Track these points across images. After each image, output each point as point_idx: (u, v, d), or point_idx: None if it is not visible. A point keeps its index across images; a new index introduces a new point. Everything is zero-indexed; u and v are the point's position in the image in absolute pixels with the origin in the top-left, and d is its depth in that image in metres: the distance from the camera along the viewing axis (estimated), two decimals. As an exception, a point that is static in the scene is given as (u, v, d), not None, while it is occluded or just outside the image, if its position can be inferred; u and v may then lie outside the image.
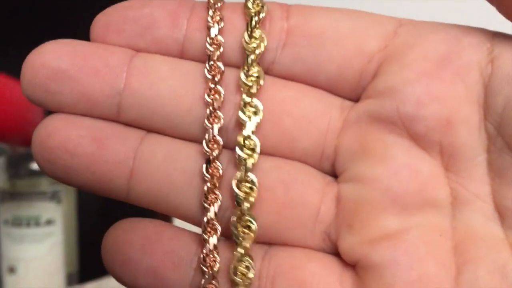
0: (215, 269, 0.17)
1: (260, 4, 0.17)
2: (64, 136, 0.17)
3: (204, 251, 0.17)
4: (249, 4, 0.17)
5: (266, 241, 0.17)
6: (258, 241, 0.17)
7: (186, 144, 0.17)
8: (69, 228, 0.58)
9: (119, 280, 0.17)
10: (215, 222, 0.17)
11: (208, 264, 0.17)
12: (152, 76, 0.17)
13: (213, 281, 0.16)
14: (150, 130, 0.17)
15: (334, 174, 0.18)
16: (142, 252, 0.17)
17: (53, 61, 0.16)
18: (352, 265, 0.17)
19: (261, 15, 0.17)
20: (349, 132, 0.17)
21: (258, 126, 0.17)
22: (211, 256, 0.17)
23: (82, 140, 0.17)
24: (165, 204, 0.17)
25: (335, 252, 0.17)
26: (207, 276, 0.16)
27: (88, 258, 0.61)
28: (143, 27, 0.17)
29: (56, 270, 0.55)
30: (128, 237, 0.17)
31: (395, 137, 0.17)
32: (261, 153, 0.17)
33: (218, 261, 0.17)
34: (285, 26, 0.17)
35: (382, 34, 0.17)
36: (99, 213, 0.65)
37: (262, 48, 0.17)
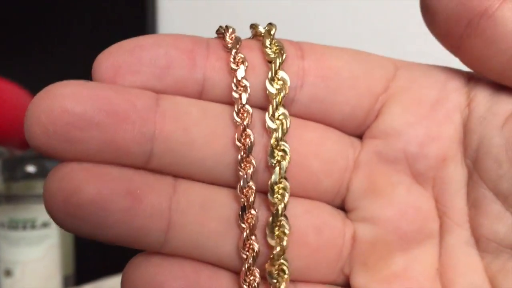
0: None
1: (277, 44, 0.17)
2: (94, 192, 0.15)
3: None
4: (267, 44, 0.17)
5: (293, 280, 0.18)
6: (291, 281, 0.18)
7: (219, 190, 0.17)
8: (65, 231, 0.58)
9: None
10: (254, 269, 0.17)
11: None
12: (183, 120, 0.16)
13: None
14: (179, 175, 0.17)
15: (342, 207, 0.19)
16: None
17: (76, 107, 0.15)
18: None
19: (284, 56, 0.17)
20: (360, 171, 0.18)
21: (288, 168, 0.17)
22: None
23: (115, 195, 0.15)
24: (203, 253, 0.17)
25: (346, 283, 0.18)
26: None
27: (84, 260, 0.61)
28: (160, 68, 0.16)
29: (52, 273, 0.55)
30: (162, 278, 0.16)
31: (399, 176, 0.18)
32: (290, 194, 0.17)
33: None
34: (301, 65, 0.18)
35: (385, 76, 0.18)
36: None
37: (287, 90, 0.17)
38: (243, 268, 0.17)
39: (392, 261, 0.18)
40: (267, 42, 0.17)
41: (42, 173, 0.55)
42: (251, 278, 0.17)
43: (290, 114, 0.18)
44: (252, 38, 0.18)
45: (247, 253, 0.17)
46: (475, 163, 0.17)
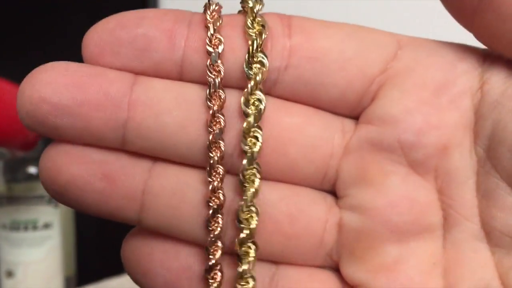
0: (216, 284, 0.18)
1: (261, 23, 0.17)
2: (73, 174, 0.16)
3: (209, 265, 0.17)
4: (249, 24, 0.17)
5: (273, 261, 0.18)
6: (266, 260, 0.18)
7: (192, 174, 0.17)
8: (67, 232, 0.58)
9: (140, 286, 0.18)
10: (218, 244, 0.17)
11: (211, 278, 0.18)
12: (155, 107, 0.16)
13: None
14: (157, 158, 0.17)
15: (333, 192, 0.18)
16: (161, 266, 0.18)
17: (52, 96, 0.16)
18: (351, 286, 0.18)
19: (263, 37, 0.17)
20: (351, 158, 0.17)
21: (263, 153, 0.17)
22: (215, 271, 0.18)
23: (91, 177, 0.16)
24: (175, 231, 0.18)
25: (337, 267, 0.18)
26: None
27: (86, 261, 0.61)
28: (139, 50, 0.16)
29: (54, 274, 0.55)
30: (148, 250, 0.18)
31: (393, 165, 0.17)
32: (267, 179, 0.17)
33: (219, 276, 0.18)
34: (287, 44, 0.17)
35: (383, 57, 0.17)
36: (97, 216, 0.65)
37: (264, 75, 0.17)
38: (208, 240, 0.17)
39: (382, 252, 0.17)
40: (249, 21, 0.17)
41: (43, 174, 0.55)
42: (215, 248, 0.17)
43: (275, 96, 0.17)
44: (242, 12, 0.18)
45: (213, 227, 0.17)
46: (487, 152, 0.16)
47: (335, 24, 0.17)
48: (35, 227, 0.53)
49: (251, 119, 0.17)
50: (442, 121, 0.17)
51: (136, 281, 0.18)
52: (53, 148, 0.17)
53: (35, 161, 0.55)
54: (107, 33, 0.16)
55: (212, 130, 0.17)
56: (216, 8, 0.17)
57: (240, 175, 0.17)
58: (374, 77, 0.17)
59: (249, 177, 0.17)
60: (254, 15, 0.17)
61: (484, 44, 0.17)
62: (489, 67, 0.17)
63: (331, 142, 0.18)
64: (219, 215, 0.17)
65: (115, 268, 0.54)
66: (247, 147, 0.17)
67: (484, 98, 0.16)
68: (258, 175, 0.17)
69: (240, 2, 0.18)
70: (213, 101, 0.17)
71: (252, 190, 0.17)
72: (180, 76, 0.17)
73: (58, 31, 0.60)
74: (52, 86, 0.16)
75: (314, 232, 0.18)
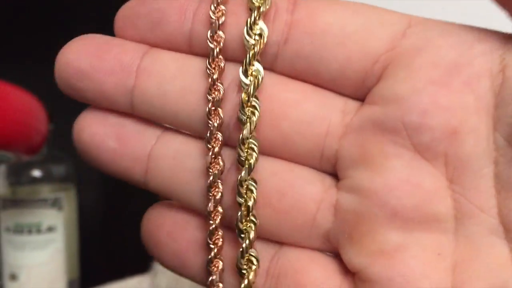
0: (217, 249, 0.18)
1: None
2: (92, 133, 0.18)
3: (211, 229, 0.18)
4: None
5: (272, 239, 0.18)
6: (266, 239, 0.18)
7: (195, 144, 0.18)
8: (70, 235, 0.58)
9: (153, 256, 0.19)
10: (218, 209, 0.18)
11: (213, 243, 0.18)
12: (159, 76, 0.18)
13: (218, 258, 0.18)
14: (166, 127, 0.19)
15: (336, 173, 0.18)
16: (169, 237, 0.19)
17: (74, 61, 0.18)
18: (352, 272, 0.17)
19: (261, 9, 0.17)
20: (351, 138, 0.17)
21: (259, 126, 0.17)
22: (216, 237, 0.18)
23: (107, 137, 0.18)
24: (177, 197, 0.19)
25: (338, 254, 0.18)
26: (212, 254, 0.18)
27: (89, 264, 0.61)
28: (153, 22, 0.18)
29: (57, 277, 0.55)
30: (159, 222, 0.19)
31: (397, 147, 0.16)
32: (262, 153, 0.18)
33: (221, 240, 0.18)
34: (289, 19, 0.17)
35: (390, 34, 0.16)
36: (100, 219, 0.65)
37: (261, 45, 0.17)
38: (208, 208, 0.18)
39: (382, 237, 0.16)
40: None
41: (47, 178, 0.55)
42: (215, 213, 0.18)
43: (276, 72, 0.18)
44: None
45: (214, 193, 0.18)
46: (509, 140, 0.15)
47: (342, 2, 0.17)
48: (38, 231, 0.53)
49: (249, 89, 0.17)
50: (453, 102, 0.16)
51: (149, 251, 0.19)
52: (85, 112, 0.19)
53: (39, 165, 0.55)
54: (130, 8, 0.18)
55: (211, 98, 0.17)
56: None
57: (238, 146, 0.17)
58: (378, 55, 0.16)
59: (247, 148, 0.17)
60: None
61: None
62: (511, 49, 0.15)
63: (328, 121, 0.17)
64: (220, 181, 0.18)
65: (119, 272, 0.54)
66: (245, 117, 0.17)
67: (506, 83, 0.15)
68: (255, 147, 0.17)
69: None
70: (213, 70, 0.17)
71: (251, 161, 0.17)
72: (190, 49, 0.18)
73: (63, 34, 0.60)
74: (77, 53, 0.18)
75: (305, 210, 0.17)
